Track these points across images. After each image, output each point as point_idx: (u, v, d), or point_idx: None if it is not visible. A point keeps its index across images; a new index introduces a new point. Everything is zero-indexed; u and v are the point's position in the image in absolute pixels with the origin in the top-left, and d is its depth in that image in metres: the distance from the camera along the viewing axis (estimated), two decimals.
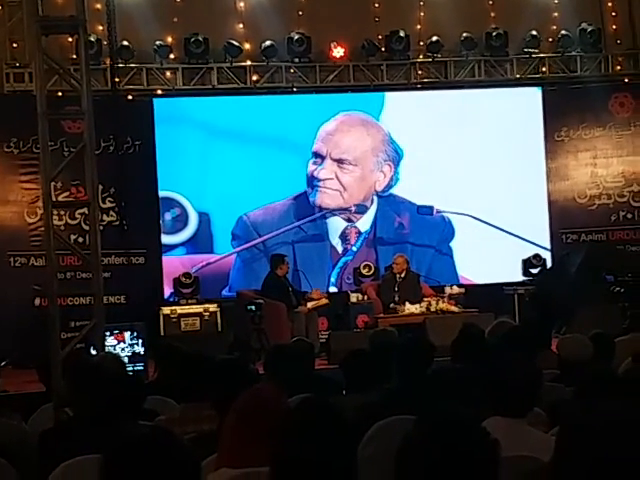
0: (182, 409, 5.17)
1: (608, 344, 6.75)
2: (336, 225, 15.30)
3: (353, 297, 13.82)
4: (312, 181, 15.16)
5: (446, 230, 15.49)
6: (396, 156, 15.43)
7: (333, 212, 15.25)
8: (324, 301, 13.58)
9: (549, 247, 15.71)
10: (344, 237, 15.31)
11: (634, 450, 1.99)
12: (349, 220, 15.32)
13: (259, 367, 6.90)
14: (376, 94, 15.67)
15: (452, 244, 15.53)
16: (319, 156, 15.18)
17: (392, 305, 13.36)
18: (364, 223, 15.36)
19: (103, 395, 4.74)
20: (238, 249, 15.01)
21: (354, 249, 15.30)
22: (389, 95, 15.67)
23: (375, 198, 15.40)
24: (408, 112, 15.54)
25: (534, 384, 4.32)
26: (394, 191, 15.45)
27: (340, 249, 15.30)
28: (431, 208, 15.35)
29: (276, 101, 15.46)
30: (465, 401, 4.70)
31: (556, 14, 15.85)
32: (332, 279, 15.20)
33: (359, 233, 15.33)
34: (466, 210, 15.35)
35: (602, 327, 7.50)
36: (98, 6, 14.06)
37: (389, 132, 15.43)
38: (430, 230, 15.47)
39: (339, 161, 15.21)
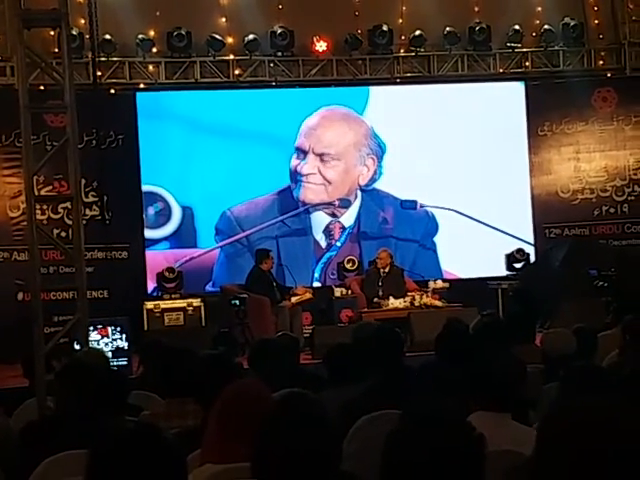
0: (166, 404, 5.15)
1: (590, 338, 6.77)
2: (320, 220, 15.29)
3: (337, 292, 13.82)
4: (295, 176, 15.14)
5: (430, 225, 15.50)
6: (379, 150, 15.43)
7: (317, 207, 15.24)
8: (308, 296, 13.57)
9: (532, 242, 15.74)
10: (328, 232, 15.30)
11: (613, 445, 1.99)
12: (333, 215, 15.32)
13: (243, 361, 6.89)
14: (360, 88, 15.67)
15: (436, 239, 15.54)
16: (302, 151, 15.17)
17: (376, 300, 13.36)
18: (348, 218, 15.36)
19: (86, 390, 4.72)
20: (222, 244, 14.99)
21: (338, 244, 15.29)
22: (373, 89, 15.67)
23: (359, 193, 15.40)
24: (391, 106, 15.54)
25: (518, 378, 4.33)
26: (378, 185, 15.46)
27: (324, 244, 15.30)
28: (414, 202, 15.36)
29: (259, 95, 15.44)
30: (450, 396, 4.71)
31: (539, 9, 15.87)
32: (316, 274, 15.20)
33: (343, 228, 15.33)
34: (449, 204, 15.37)
35: (585, 321, 7.51)
36: None
37: (372, 126, 15.43)
38: (414, 225, 15.48)
39: (322, 156, 15.20)
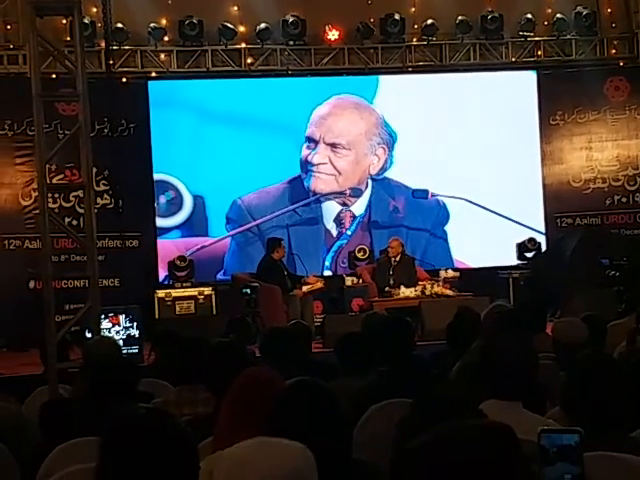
0: (178, 392, 5.17)
1: (599, 327, 6.75)
2: (331, 209, 15.28)
3: (348, 281, 13.82)
4: (306, 166, 15.13)
5: (441, 213, 15.48)
6: (390, 139, 15.41)
7: (327, 196, 15.23)
8: (319, 285, 13.55)
9: (544, 231, 15.72)
10: (339, 221, 15.30)
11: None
12: (344, 204, 15.31)
13: (255, 350, 6.91)
14: (370, 77, 15.64)
15: (447, 227, 15.52)
16: (312, 141, 15.15)
17: (387, 289, 13.36)
18: (359, 207, 15.35)
19: (97, 378, 4.74)
20: (233, 232, 15.00)
21: (349, 233, 15.29)
22: (383, 78, 15.64)
23: (369, 182, 15.39)
24: (403, 95, 15.52)
25: (529, 367, 4.32)
26: (389, 174, 15.44)
27: (335, 233, 15.29)
28: (426, 192, 15.34)
29: (271, 84, 15.43)
30: (461, 384, 4.71)
31: None
32: (327, 263, 15.21)
33: (354, 217, 15.32)
34: (461, 193, 15.34)
35: (597, 311, 7.50)
36: None
37: (382, 115, 15.41)
38: (425, 213, 15.46)
39: (332, 145, 15.19)
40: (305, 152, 15.12)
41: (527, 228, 15.51)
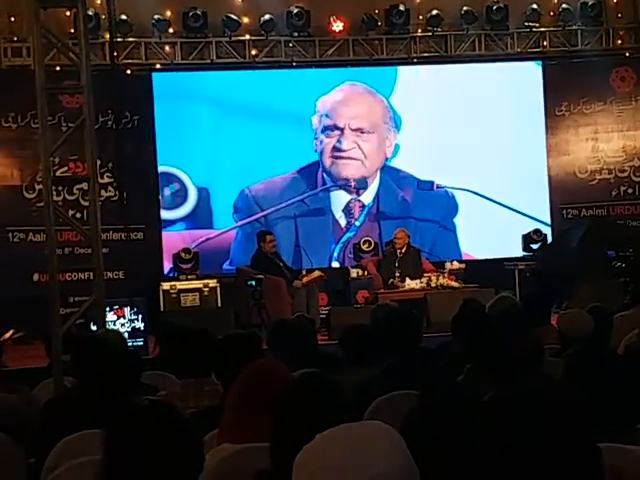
0: (183, 384, 5.16)
1: (605, 318, 6.73)
2: (340, 199, 15.26)
3: (353, 272, 13.80)
4: (332, 153, 15.09)
5: (450, 205, 15.45)
6: (398, 123, 15.43)
7: (335, 186, 15.22)
8: (317, 273, 13.43)
9: (549, 222, 15.69)
10: (348, 211, 15.26)
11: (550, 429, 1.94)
12: (352, 193, 15.28)
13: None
14: (381, 68, 15.60)
15: (455, 220, 15.49)
16: (336, 128, 15.12)
17: (392, 281, 13.33)
18: (367, 196, 15.33)
19: (102, 369, 4.73)
20: (239, 224, 14.99)
21: (357, 224, 15.25)
22: (391, 69, 15.61)
23: (378, 172, 15.38)
24: (408, 86, 15.49)
25: (535, 359, 4.31)
26: (396, 164, 15.42)
27: (343, 223, 15.25)
28: (431, 183, 15.31)
29: (275, 75, 15.39)
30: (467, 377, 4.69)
31: None
32: (334, 254, 15.17)
33: (363, 207, 15.29)
34: (466, 185, 15.32)
35: (603, 302, 7.47)
36: None
37: (387, 99, 15.42)
38: (434, 205, 15.41)
39: (358, 130, 15.18)
40: (329, 140, 15.07)
41: (533, 219, 15.48)
